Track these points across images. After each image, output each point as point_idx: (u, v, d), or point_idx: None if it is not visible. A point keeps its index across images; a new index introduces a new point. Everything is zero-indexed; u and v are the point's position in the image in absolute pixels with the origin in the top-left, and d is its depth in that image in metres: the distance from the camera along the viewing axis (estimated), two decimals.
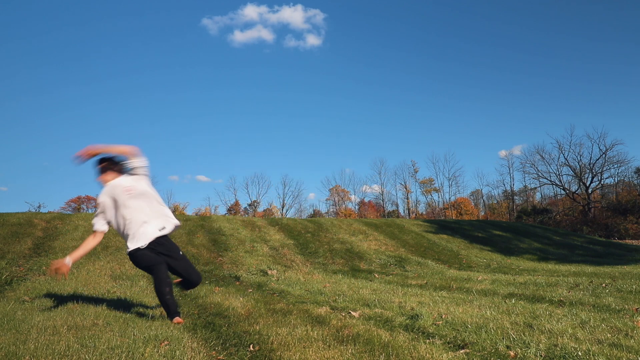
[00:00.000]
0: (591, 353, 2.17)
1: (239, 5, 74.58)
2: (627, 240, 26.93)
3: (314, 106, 69.27)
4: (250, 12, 64.48)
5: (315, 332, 2.75)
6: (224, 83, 68.78)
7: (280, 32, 68.04)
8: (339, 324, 3.02)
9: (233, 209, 49.29)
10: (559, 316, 3.16)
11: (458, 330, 2.75)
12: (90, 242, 3.30)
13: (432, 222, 16.36)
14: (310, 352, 2.32)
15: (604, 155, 37.91)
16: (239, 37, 63.30)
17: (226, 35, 65.11)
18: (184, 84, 67.20)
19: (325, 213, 52.33)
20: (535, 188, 47.53)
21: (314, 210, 53.36)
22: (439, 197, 51.41)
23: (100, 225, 3.32)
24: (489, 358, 2.21)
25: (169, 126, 66.63)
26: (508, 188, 49.58)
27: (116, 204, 3.25)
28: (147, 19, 65.22)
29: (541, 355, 2.21)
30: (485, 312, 3.34)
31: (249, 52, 64.92)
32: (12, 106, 56.72)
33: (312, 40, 65.09)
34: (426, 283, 5.93)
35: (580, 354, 2.18)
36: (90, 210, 47.80)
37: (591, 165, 38.68)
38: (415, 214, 51.40)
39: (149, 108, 65.77)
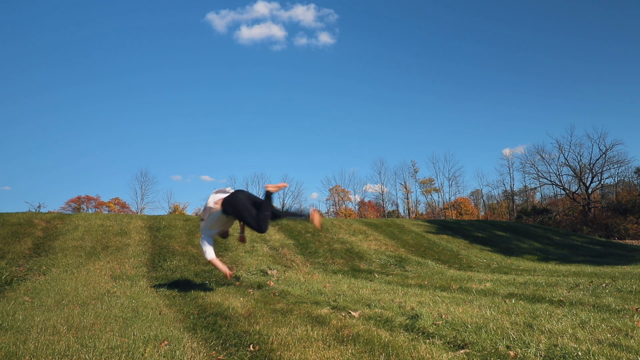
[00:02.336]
0: (591, 353, 2.17)
1: (248, 1, 74.25)
2: (627, 240, 26.93)
3: (314, 106, 69.28)
4: (261, 8, 64.11)
5: (315, 332, 2.75)
6: (228, 81, 68.69)
7: (292, 29, 67.72)
8: (339, 324, 3.02)
9: None
10: (559, 316, 3.16)
11: (458, 330, 2.75)
12: None
13: (432, 222, 16.36)
14: (310, 352, 2.32)
15: (604, 155, 37.93)
16: (246, 33, 62.88)
17: (233, 31, 64.80)
18: (188, 82, 67.16)
19: (325, 213, 52.32)
20: (535, 188, 47.55)
21: None
22: (439, 197, 51.44)
23: None
24: (489, 358, 2.21)
25: (171, 125, 66.58)
26: (508, 188, 49.61)
27: None
28: (150, 14, 65.12)
29: (541, 355, 2.21)
30: (485, 312, 3.34)
31: (257, 49, 64.66)
32: (12, 106, 56.73)
33: (325, 38, 64.69)
34: (426, 283, 5.93)
35: (580, 354, 2.18)
36: (90, 210, 47.85)
37: (591, 165, 38.69)
38: (415, 214, 51.41)
39: (151, 107, 65.69)
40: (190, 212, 49.16)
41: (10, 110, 56.16)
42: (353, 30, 70.51)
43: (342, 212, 49.19)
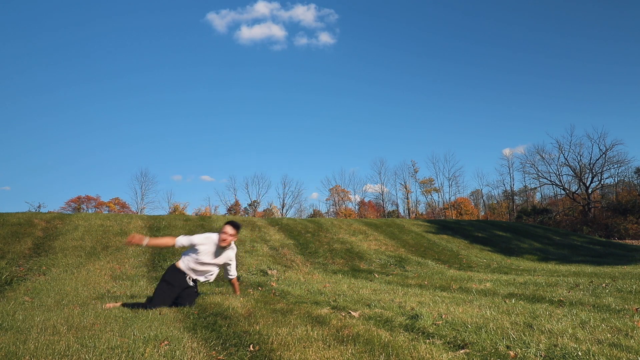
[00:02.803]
0: (591, 353, 2.17)
1: (248, 1, 74.55)
2: (627, 240, 26.93)
3: (314, 106, 69.41)
4: (261, 7, 64.32)
5: (315, 332, 2.75)
6: (228, 81, 68.82)
7: (292, 29, 67.85)
8: (339, 324, 3.02)
9: (233, 209, 49.29)
10: (559, 316, 3.16)
11: (458, 330, 2.75)
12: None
13: (432, 222, 16.36)
14: (310, 352, 2.32)
15: (604, 155, 37.94)
16: (246, 33, 62.88)
17: (233, 31, 64.88)
18: (188, 82, 67.27)
19: (325, 213, 52.35)
20: (535, 188, 47.56)
21: (314, 210, 53.36)
22: (439, 197, 51.44)
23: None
24: (489, 358, 2.21)
25: (171, 125, 66.67)
26: (508, 188, 49.62)
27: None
28: (150, 15, 65.21)
29: (541, 355, 2.21)
30: (485, 312, 3.34)
31: (257, 49, 64.70)
32: (12, 106, 56.73)
33: (325, 38, 64.77)
34: (426, 283, 5.92)
35: (580, 354, 2.18)
36: (90, 210, 47.82)
37: (591, 165, 38.69)
38: (415, 214, 51.40)
39: (151, 107, 65.80)
40: (190, 212, 49.21)
41: (10, 110, 56.25)
42: (353, 30, 70.69)
43: (342, 212, 49.19)
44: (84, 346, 2.36)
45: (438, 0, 69.43)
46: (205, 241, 4.16)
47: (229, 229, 4.15)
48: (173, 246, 4.17)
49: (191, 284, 4.15)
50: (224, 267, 4.41)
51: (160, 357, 2.27)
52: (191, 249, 4.17)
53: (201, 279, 4.22)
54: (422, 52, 69.99)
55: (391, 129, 69.62)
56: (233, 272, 4.47)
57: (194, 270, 4.14)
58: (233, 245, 4.31)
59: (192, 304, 4.07)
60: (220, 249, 4.17)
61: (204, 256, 4.12)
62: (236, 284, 4.62)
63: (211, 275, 4.29)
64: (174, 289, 4.04)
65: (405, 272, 7.95)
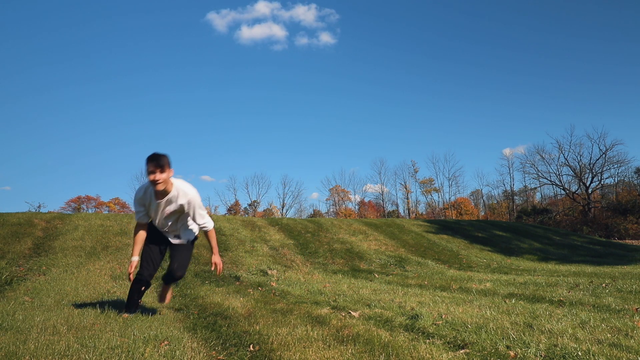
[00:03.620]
0: (591, 353, 2.17)
1: (249, 0, 74.81)
2: (627, 240, 26.93)
3: (314, 106, 69.33)
4: (262, 7, 64.48)
5: (315, 332, 2.75)
6: (229, 81, 68.79)
7: (293, 29, 67.94)
8: (339, 324, 3.02)
9: (233, 209, 49.28)
10: (559, 316, 3.16)
11: (458, 330, 2.75)
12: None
13: (432, 222, 16.36)
14: (310, 352, 2.32)
15: (604, 155, 37.94)
16: (246, 33, 62.88)
17: (233, 31, 64.91)
18: (188, 82, 67.24)
19: (325, 213, 52.34)
20: (535, 188, 47.55)
21: (314, 210, 53.37)
22: (439, 197, 51.44)
23: None
24: (489, 358, 2.21)
25: (171, 125, 66.67)
26: (508, 188, 49.61)
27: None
28: (150, 15, 65.16)
29: (541, 355, 2.21)
30: (485, 312, 3.34)
31: (258, 49, 64.69)
32: (12, 106, 56.75)
33: (326, 38, 64.82)
34: (426, 283, 5.92)
35: (580, 354, 2.18)
36: (90, 210, 47.79)
37: (591, 165, 38.69)
38: (415, 214, 51.40)
39: (151, 107, 65.77)
40: None
41: (10, 110, 56.27)
42: (354, 30, 70.61)
43: (342, 212, 49.18)
44: (84, 346, 2.36)
45: (438, 0, 69.40)
46: (144, 197, 3.35)
47: (149, 166, 3.17)
48: (144, 227, 3.43)
49: (174, 241, 3.53)
50: (193, 217, 3.46)
51: (160, 357, 2.27)
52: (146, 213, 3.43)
53: (176, 240, 3.54)
54: (422, 52, 69.94)
55: (391, 129, 69.65)
56: (201, 220, 3.44)
57: (165, 233, 3.52)
58: (180, 185, 3.33)
59: (182, 266, 3.46)
60: (161, 195, 3.28)
61: (154, 213, 3.40)
62: (212, 237, 3.52)
63: (184, 229, 3.54)
64: (155, 244, 3.48)
65: (405, 272, 7.95)
